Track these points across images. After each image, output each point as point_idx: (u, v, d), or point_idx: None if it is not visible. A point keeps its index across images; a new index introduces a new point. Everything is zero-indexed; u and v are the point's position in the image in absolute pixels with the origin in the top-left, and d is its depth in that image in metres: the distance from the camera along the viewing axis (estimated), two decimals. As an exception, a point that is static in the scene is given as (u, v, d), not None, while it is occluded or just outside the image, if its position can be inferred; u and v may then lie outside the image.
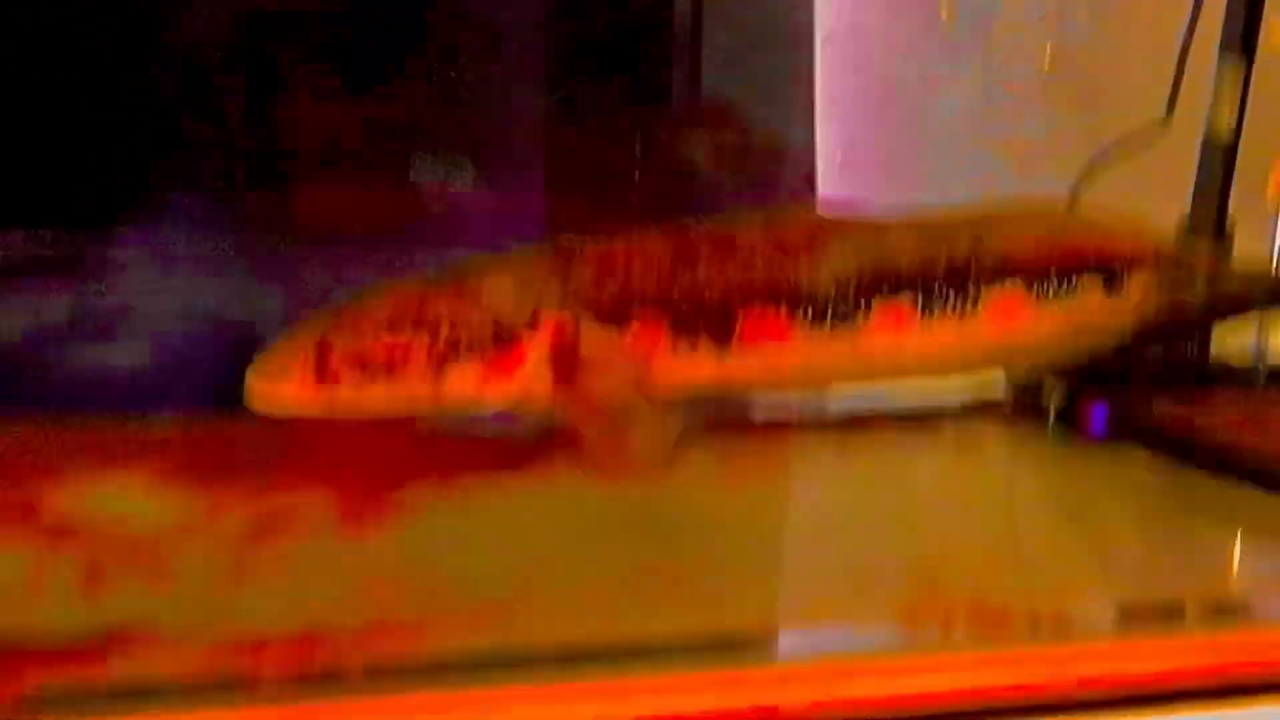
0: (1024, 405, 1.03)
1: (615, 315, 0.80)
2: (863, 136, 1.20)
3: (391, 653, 0.74)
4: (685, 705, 0.71)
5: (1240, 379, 1.02)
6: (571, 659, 0.73)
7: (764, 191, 1.16)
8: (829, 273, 0.83)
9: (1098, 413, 0.98)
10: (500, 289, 0.79)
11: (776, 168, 1.17)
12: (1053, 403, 1.01)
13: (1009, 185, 1.23)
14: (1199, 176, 1.09)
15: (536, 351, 0.79)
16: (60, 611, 0.76)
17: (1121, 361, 0.98)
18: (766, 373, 0.83)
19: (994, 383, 1.06)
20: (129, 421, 0.97)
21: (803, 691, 0.71)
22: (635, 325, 0.81)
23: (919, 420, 1.03)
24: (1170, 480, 0.99)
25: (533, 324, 0.79)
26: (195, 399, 0.99)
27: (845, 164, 1.20)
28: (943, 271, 0.85)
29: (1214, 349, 1.05)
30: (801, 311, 0.82)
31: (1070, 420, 0.98)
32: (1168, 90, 1.09)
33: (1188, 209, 1.10)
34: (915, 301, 0.84)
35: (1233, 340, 1.06)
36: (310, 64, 1.06)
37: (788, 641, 0.80)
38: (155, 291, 1.05)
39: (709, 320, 0.81)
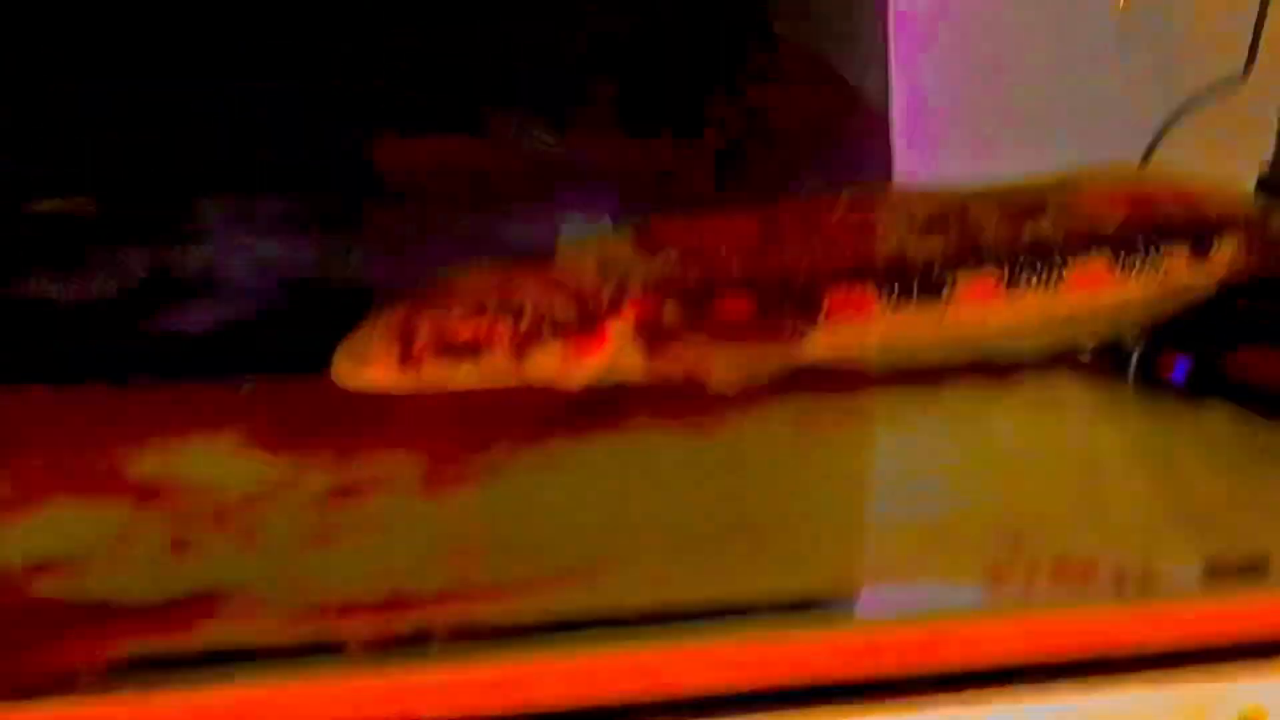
0: (1104, 357, 1.02)
1: (700, 296, 0.80)
2: (938, 93, 1.19)
3: (477, 617, 0.75)
4: (768, 668, 0.72)
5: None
6: (660, 619, 0.73)
7: (842, 151, 1.16)
8: (913, 248, 0.82)
9: (1180, 365, 0.97)
10: (583, 271, 0.80)
11: (854, 124, 1.17)
12: (1134, 355, 1.00)
13: (1085, 143, 1.22)
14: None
15: (620, 332, 0.79)
16: (147, 576, 0.77)
17: (1204, 315, 0.96)
18: (853, 348, 0.83)
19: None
20: (213, 385, 0.98)
21: (889, 654, 0.70)
22: (721, 305, 0.81)
23: (998, 373, 1.02)
24: (1254, 434, 0.98)
25: (616, 305, 0.79)
26: (280, 361, 0.99)
27: (919, 122, 1.20)
28: (1027, 244, 0.84)
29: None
30: (887, 288, 0.82)
31: (1151, 373, 0.97)
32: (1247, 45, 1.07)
33: (1266, 169, 1.08)
34: (1000, 275, 0.84)
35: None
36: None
37: (872, 601, 0.80)
38: (236, 252, 1.05)
39: (794, 299, 0.81)
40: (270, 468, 0.88)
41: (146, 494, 0.85)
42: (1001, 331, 0.85)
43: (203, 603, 0.75)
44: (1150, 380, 0.99)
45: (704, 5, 1.13)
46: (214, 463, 0.89)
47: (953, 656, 0.74)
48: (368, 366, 0.78)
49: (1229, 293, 0.97)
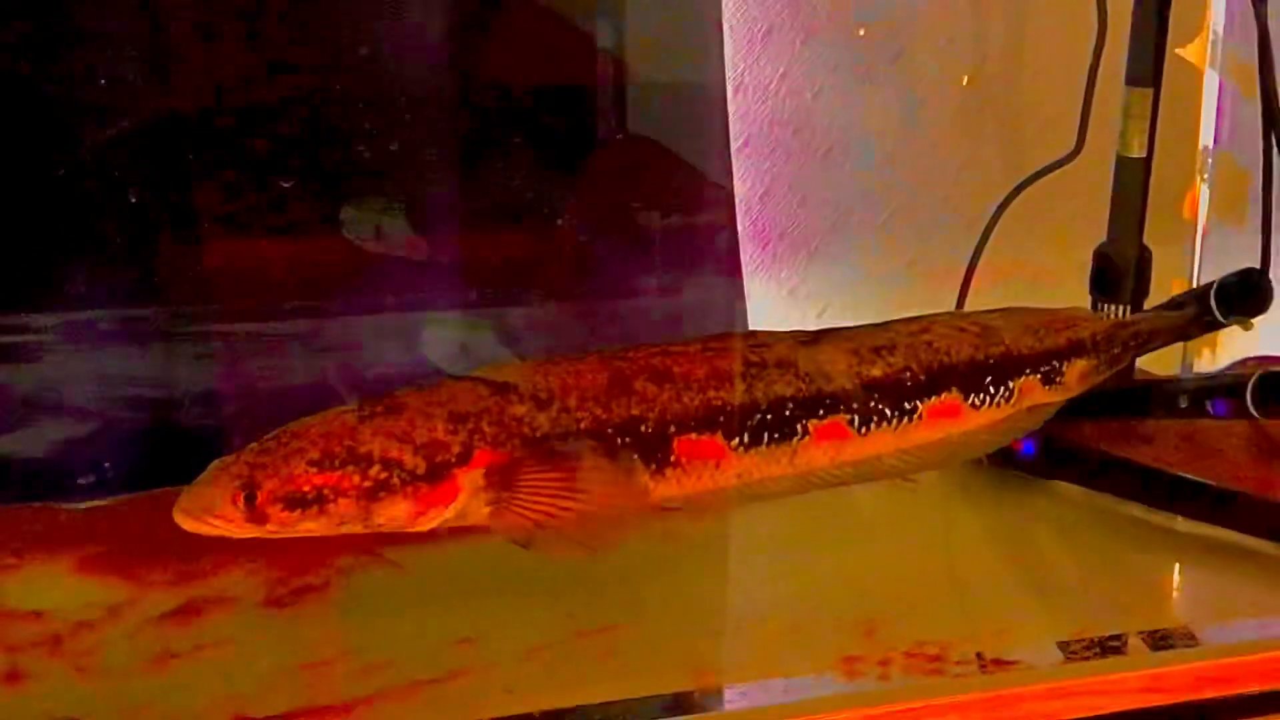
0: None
1: (549, 448, 0.80)
2: (781, 178, 1.20)
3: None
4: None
5: (1165, 396, 1.03)
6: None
7: (692, 238, 1.17)
8: (764, 397, 0.83)
9: (1027, 444, 0.98)
10: (432, 425, 0.79)
11: (699, 214, 1.17)
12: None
13: (926, 223, 1.24)
14: (1114, 201, 1.10)
15: (470, 485, 0.78)
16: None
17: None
18: (703, 494, 0.83)
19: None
20: (45, 508, 0.95)
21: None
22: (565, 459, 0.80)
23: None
24: (1103, 510, 0.99)
25: (465, 459, 0.79)
26: (114, 482, 0.97)
27: (764, 205, 1.20)
28: (879, 390, 0.85)
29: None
30: (737, 436, 0.82)
31: (1001, 454, 0.98)
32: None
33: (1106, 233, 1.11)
34: (850, 421, 0.85)
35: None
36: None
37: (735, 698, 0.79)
38: (66, 371, 1.02)
39: (645, 448, 0.81)
40: (107, 591, 0.86)
41: (-22, 627, 0.82)
42: (854, 472, 0.86)
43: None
44: (1000, 460, 1.00)
45: (552, 101, 1.13)
46: (49, 588, 0.86)
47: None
48: (211, 517, 0.76)
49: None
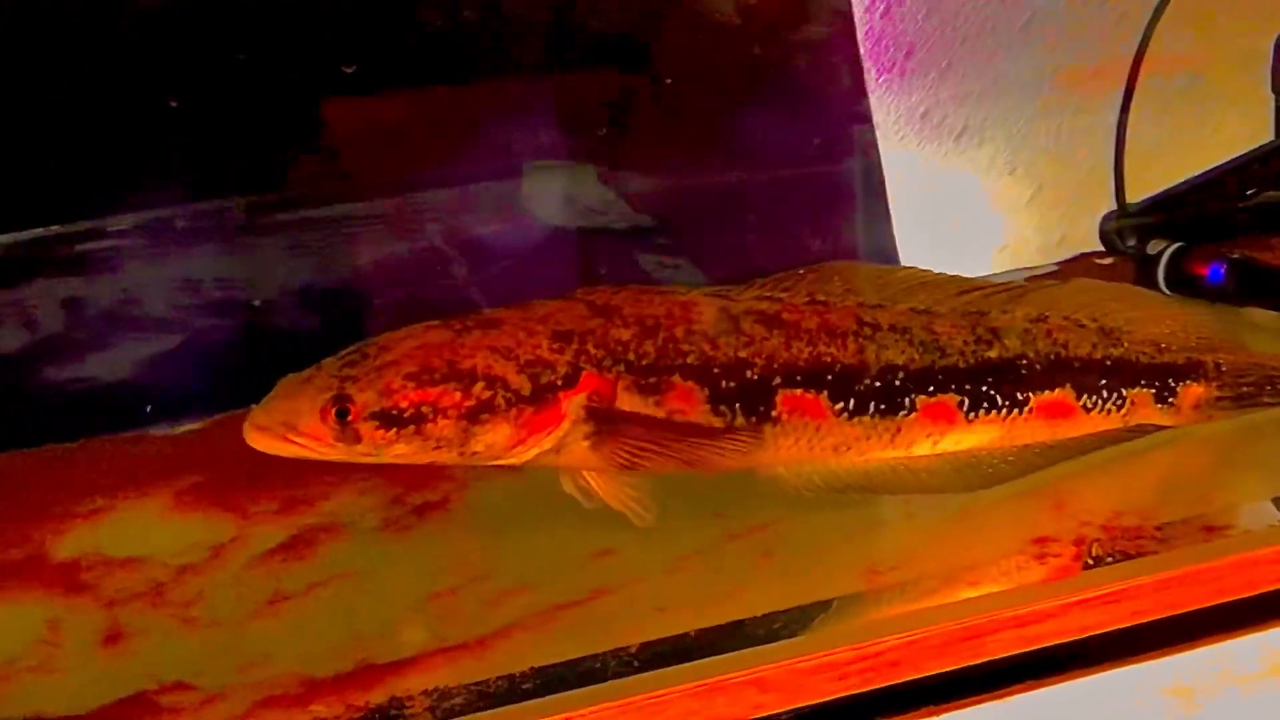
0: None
1: (653, 380, 0.72)
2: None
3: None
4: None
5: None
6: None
7: (799, 67, 1.07)
8: (875, 362, 0.76)
9: (1215, 271, 0.88)
10: (535, 342, 0.71)
11: (809, 32, 1.07)
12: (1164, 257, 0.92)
13: (1075, 14, 1.11)
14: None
15: (573, 412, 0.71)
16: (78, 679, 0.67)
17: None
18: (799, 453, 0.75)
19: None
20: (134, 437, 0.87)
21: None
22: (673, 393, 0.73)
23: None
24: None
25: (571, 381, 0.70)
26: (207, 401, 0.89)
27: (887, 20, 1.09)
28: (992, 375, 0.78)
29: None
30: (843, 400, 0.75)
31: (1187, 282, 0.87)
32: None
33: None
34: (960, 404, 0.77)
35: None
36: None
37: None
38: (152, 277, 0.94)
39: (747, 396, 0.73)
40: (209, 527, 0.78)
41: (72, 581, 0.74)
42: (957, 459, 0.78)
43: (143, 705, 0.65)
44: (1181, 282, 0.90)
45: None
46: (144, 531, 0.79)
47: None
48: (295, 434, 0.67)
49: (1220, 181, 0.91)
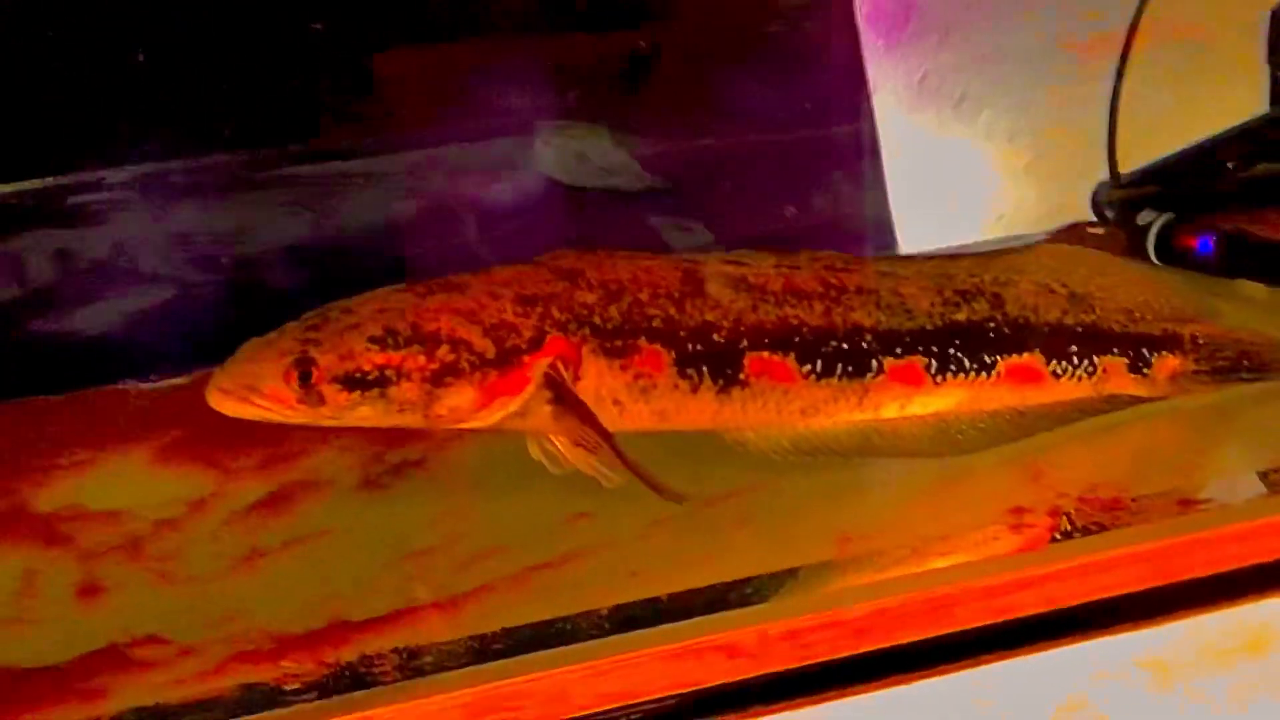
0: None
1: (619, 343, 0.72)
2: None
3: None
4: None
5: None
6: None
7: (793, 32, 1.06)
8: (842, 324, 0.75)
9: (1204, 239, 0.87)
10: (500, 305, 0.71)
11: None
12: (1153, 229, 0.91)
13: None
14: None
15: (539, 375, 0.71)
16: (54, 630, 0.68)
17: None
18: (766, 417, 0.75)
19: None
20: (117, 390, 0.87)
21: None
22: (639, 356, 0.73)
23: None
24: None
25: (536, 345, 0.70)
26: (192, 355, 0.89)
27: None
28: (959, 337, 0.77)
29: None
30: (810, 363, 0.75)
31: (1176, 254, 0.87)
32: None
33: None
34: (927, 366, 0.77)
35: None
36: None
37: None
38: (142, 230, 0.94)
39: (714, 359, 0.73)
40: (189, 482, 0.78)
41: (51, 532, 0.75)
42: (925, 422, 0.77)
43: (115, 658, 0.65)
44: (1171, 254, 0.89)
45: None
46: (125, 485, 0.79)
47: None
48: (257, 397, 0.67)
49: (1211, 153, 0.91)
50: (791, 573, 0.69)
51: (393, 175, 1.02)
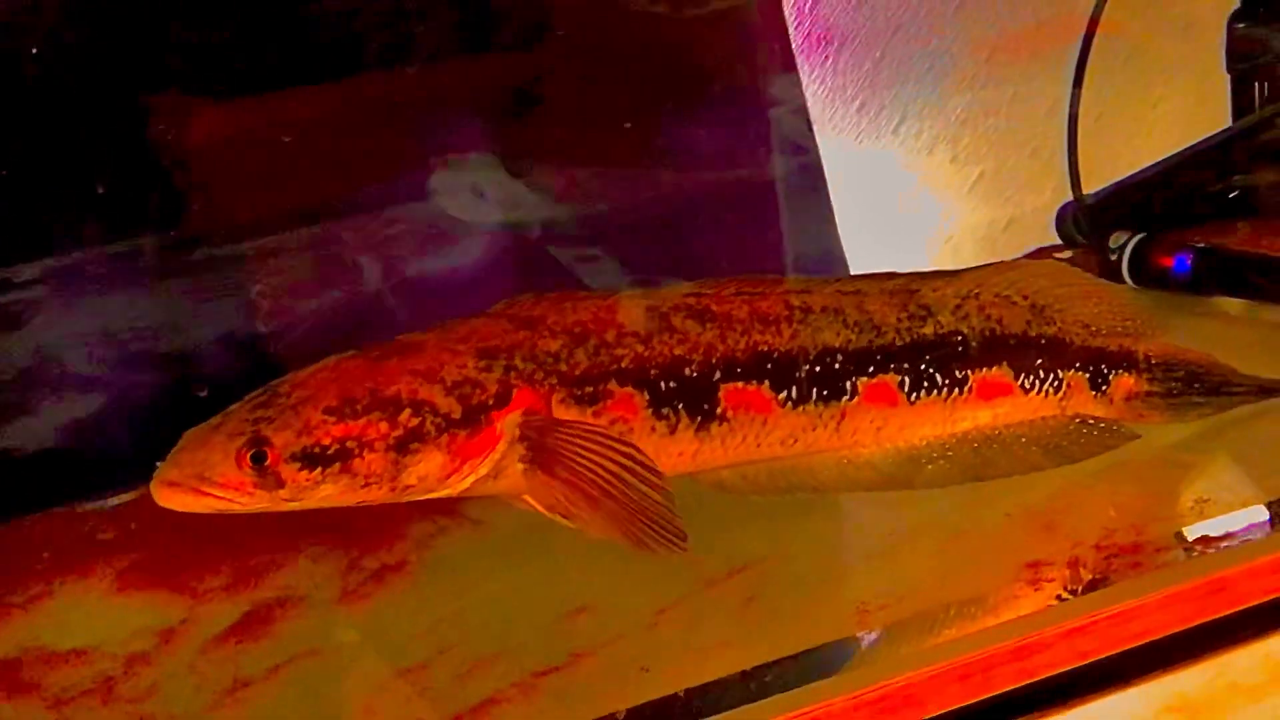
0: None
1: (589, 389, 0.69)
2: None
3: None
4: None
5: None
6: None
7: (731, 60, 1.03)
8: (812, 345, 0.73)
9: (1181, 261, 0.85)
10: (460, 362, 0.67)
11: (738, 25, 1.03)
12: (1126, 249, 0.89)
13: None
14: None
15: (509, 432, 0.67)
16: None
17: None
18: (747, 451, 0.73)
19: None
20: (67, 513, 0.82)
21: None
22: (611, 401, 0.70)
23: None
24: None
25: (504, 400, 0.67)
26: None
27: (817, 9, 1.05)
28: (929, 352, 0.76)
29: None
30: (785, 389, 0.73)
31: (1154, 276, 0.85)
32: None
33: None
34: (900, 384, 0.75)
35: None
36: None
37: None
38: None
39: (689, 395, 0.71)
40: (156, 610, 0.73)
41: (14, 680, 0.69)
42: (904, 441, 0.76)
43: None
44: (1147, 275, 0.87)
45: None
46: (87, 618, 0.74)
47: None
48: (210, 486, 0.63)
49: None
50: (811, 653, 0.66)
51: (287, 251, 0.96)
